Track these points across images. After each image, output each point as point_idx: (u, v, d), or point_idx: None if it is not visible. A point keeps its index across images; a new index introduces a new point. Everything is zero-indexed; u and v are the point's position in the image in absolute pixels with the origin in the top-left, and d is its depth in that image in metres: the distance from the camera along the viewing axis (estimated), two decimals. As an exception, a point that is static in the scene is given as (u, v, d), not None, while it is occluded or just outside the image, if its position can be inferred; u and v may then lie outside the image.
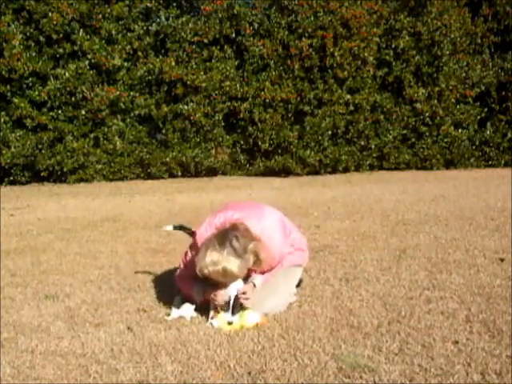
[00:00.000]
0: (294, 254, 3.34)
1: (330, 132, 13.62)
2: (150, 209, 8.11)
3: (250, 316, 2.90)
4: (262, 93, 13.29)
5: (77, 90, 12.77)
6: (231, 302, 2.92)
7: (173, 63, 13.22)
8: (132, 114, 13.35)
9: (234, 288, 2.97)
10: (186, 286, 3.23)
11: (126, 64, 13.32)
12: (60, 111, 12.91)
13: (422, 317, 2.92)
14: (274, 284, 3.18)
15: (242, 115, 13.43)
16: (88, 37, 12.97)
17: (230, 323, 2.85)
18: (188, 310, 3.06)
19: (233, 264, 2.86)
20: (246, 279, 3.10)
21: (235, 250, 2.86)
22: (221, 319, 2.90)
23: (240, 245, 2.88)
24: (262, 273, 3.17)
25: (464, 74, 14.32)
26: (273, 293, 3.11)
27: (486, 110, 14.57)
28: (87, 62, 12.92)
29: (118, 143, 13.17)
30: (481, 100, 14.61)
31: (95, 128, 13.25)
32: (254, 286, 3.09)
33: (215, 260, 2.84)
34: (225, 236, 2.91)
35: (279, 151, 13.65)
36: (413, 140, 14.33)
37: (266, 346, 2.61)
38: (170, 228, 3.88)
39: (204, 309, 3.05)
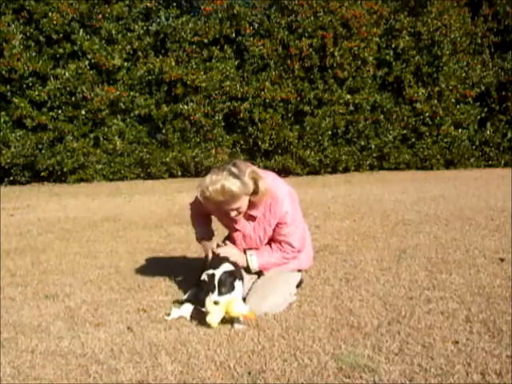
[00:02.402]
0: (300, 258, 3.37)
1: (329, 132, 13.62)
2: (150, 209, 8.11)
3: (237, 305, 2.88)
4: (262, 93, 13.28)
5: (77, 90, 12.77)
6: (216, 281, 2.90)
7: (173, 63, 13.22)
8: (132, 114, 13.35)
9: (222, 269, 2.98)
10: (194, 219, 3.57)
11: (126, 64, 13.32)
12: (60, 111, 12.91)
13: (422, 317, 2.92)
14: (274, 284, 3.18)
15: (242, 115, 13.42)
16: (88, 37, 12.98)
17: (216, 303, 2.85)
18: (188, 309, 3.06)
19: (232, 183, 2.93)
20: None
21: (234, 171, 2.96)
22: (208, 301, 2.89)
23: (238, 167, 2.99)
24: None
25: (464, 74, 14.30)
26: (272, 293, 3.11)
27: (486, 109, 14.55)
28: (87, 62, 12.92)
29: (118, 143, 13.17)
30: (481, 100, 14.59)
31: (95, 128, 13.25)
32: (245, 253, 3.24)
33: (214, 179, 2.94)
34: (224, 164, 3.07)
35: (279, 151, 13.65)
36: (413, 140, 14.32)
37: (266, 345, 2.61)
38: None
39: (204, 308, 3.04)
